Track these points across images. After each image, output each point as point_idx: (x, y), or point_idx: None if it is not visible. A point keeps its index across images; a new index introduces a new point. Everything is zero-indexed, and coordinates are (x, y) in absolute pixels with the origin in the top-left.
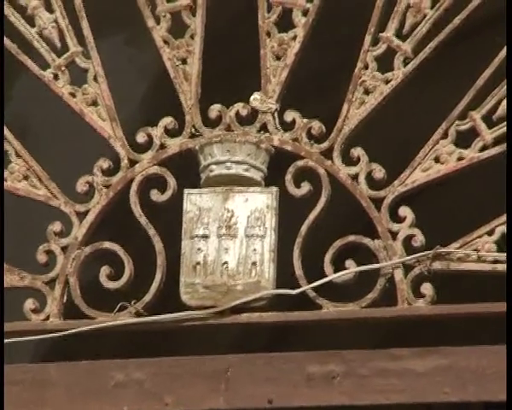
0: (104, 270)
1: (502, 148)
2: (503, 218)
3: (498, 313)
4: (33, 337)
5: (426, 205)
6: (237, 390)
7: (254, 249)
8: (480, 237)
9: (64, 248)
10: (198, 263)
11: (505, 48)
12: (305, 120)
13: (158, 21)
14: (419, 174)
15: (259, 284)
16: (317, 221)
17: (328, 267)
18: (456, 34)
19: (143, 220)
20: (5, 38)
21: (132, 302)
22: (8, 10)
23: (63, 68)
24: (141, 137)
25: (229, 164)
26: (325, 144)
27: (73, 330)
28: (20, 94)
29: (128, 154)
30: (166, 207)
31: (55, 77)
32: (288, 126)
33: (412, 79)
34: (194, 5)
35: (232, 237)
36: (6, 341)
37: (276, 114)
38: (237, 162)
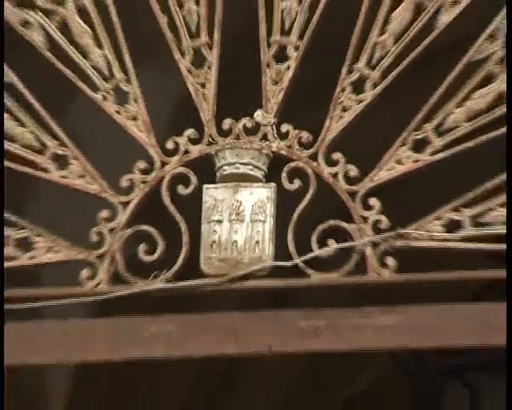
0: (142, 247)
1: (448, 153)
2: (449, 206)
3: (439, 280)
4: (87, 299)
5: (390, 196)
6: (244, 340)
7: (257, 231)
8: (430, 221)
9: (111, 230)
10: (214, 242)
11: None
12: (296, 131)
13: (183, 55)
14: (384, 173)
15: (261, 258)
16: (306, 210)
17: (314, 245)
18: (413, 64)
19: (172, 209)
20: (65, 68)
21: (163, 272)
22: (68, 47)
23: (110, 91)
24: (170, 145)
25: (237, 165)
26: (312, 150)
27: (118, 293)
28: (77, 111)
29: (160, 157)
30: (189, 199)
31: (104, 98)
32: (283, 136)
33: (379, 99)
34: (211, 42)
35: (240, 222)
36: (67, 301)
37: (274, 127)
38: (244, 164)
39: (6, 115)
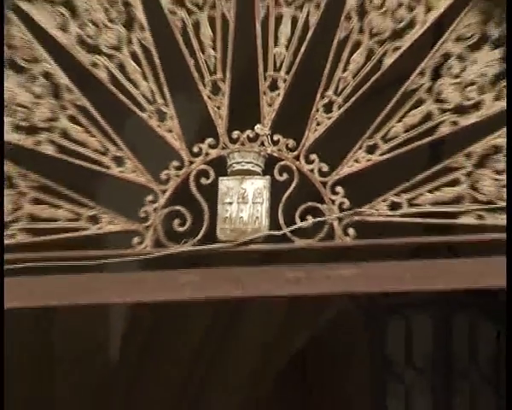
0: (175, 221)
1: (391, 154)
2: (392, 192)
3: (385, 245)
4: (137, 258)
5: (350, 185)
6: (248, 286)
7: (257, 210)
8: (379, 202)
9: (154, 209)
10: (226, 217)
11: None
12: (285, 139)
13: (205, 86)
14: (346, 169)
15: (260, 229)
16: (291, 195)
17: (297, 220)
18: (366, 93)
19: (197, 195)
20: (122, 96)
21: (191, 239)
22: (124, 81)
23: (154, 112)
24: (195, 149)
25: (243, 163)
26: (296, 153)
27: (158, 254)
28: (130, 125)
29: (188, 158)
30: (209, 188)
31: (150, 117)
32: (275, 143)
33: (343, 117)
34: (224, 77)
35: (245, 203)
36: (123, 259)
37: (268, 136)
38: (248, 162)
39: (80, 129)
